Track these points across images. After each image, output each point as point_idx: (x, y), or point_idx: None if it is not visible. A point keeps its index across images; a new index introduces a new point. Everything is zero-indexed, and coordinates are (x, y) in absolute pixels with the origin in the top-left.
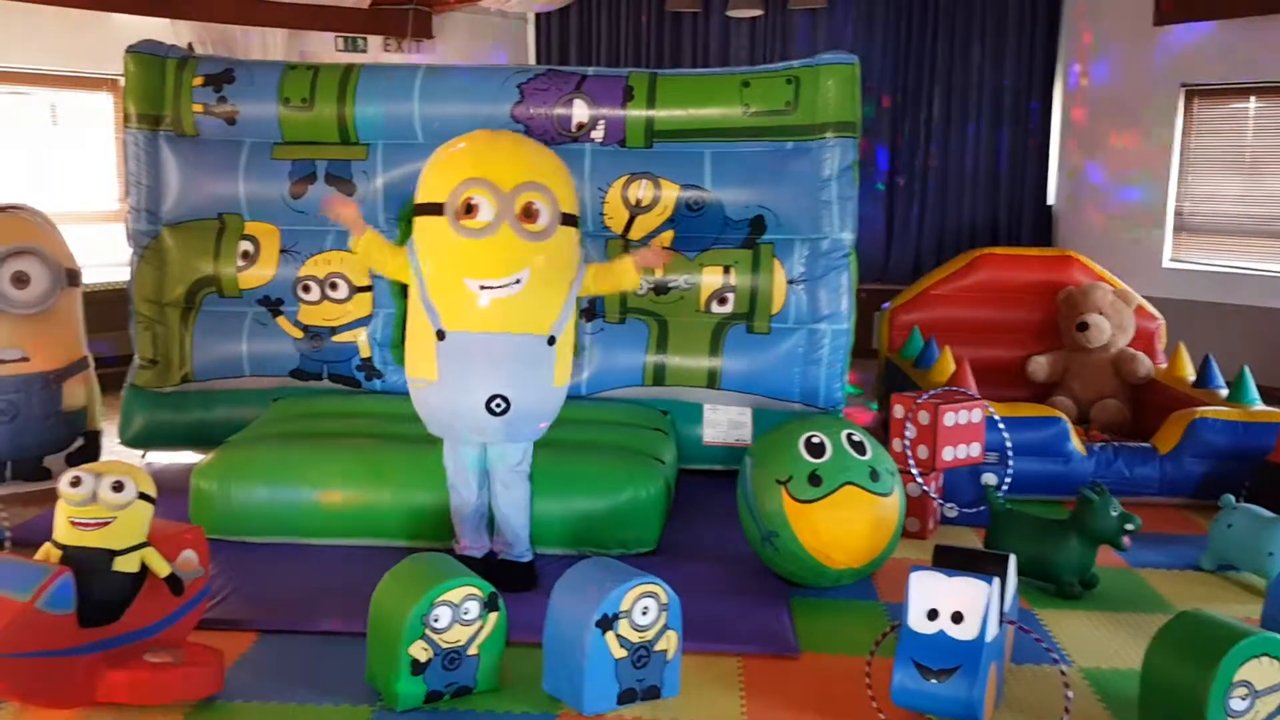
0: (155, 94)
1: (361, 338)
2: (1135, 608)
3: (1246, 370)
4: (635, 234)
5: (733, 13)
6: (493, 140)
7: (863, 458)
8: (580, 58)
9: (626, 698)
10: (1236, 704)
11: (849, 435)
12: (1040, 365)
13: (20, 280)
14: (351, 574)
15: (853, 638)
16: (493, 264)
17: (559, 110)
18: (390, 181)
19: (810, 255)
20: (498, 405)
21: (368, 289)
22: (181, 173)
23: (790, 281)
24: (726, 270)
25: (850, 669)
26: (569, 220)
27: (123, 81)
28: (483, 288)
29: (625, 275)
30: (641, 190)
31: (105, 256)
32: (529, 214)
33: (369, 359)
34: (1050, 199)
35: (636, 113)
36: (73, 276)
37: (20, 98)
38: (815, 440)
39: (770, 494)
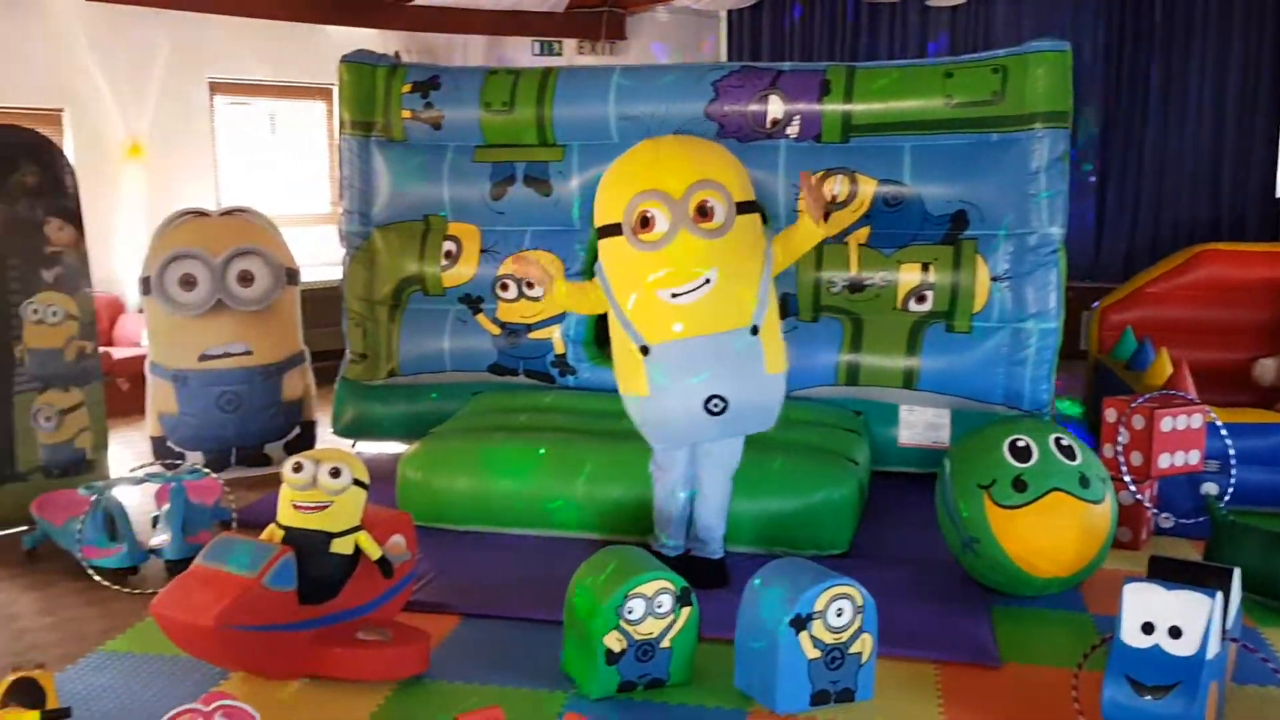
0: (367, 101)
1: (556, 334)
2: None
3: None
4: (831, 231)
5: (933, 1)
6: (655, 149)
7: (1072, 463)
8: (773, 53)
9: (820, 699)
10: None
11: (1057, 439)
12: (1268, 368)
13: (245, 279)
14: (547, 563)
15: (1058, 649)
16: (678, 271)
17: (753, 107)
18: (585, 182)
19: (1016, 251)
20: (716, 405)
21: None
22: (391, 176)
23: (994, 278)
24: (925, 267)
25: (1055, 681)
26: (747, 207)
27: (336, 90)
28: (674, 296)
29: (806, 230)
30: (837, 186)
31: (319, 256)
32: (704, 213)
33: (563, 355)
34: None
35: (833, 107)
36: (292, 275)
37: (243, 108)
38: (1020, 443)
39: (971, 498)
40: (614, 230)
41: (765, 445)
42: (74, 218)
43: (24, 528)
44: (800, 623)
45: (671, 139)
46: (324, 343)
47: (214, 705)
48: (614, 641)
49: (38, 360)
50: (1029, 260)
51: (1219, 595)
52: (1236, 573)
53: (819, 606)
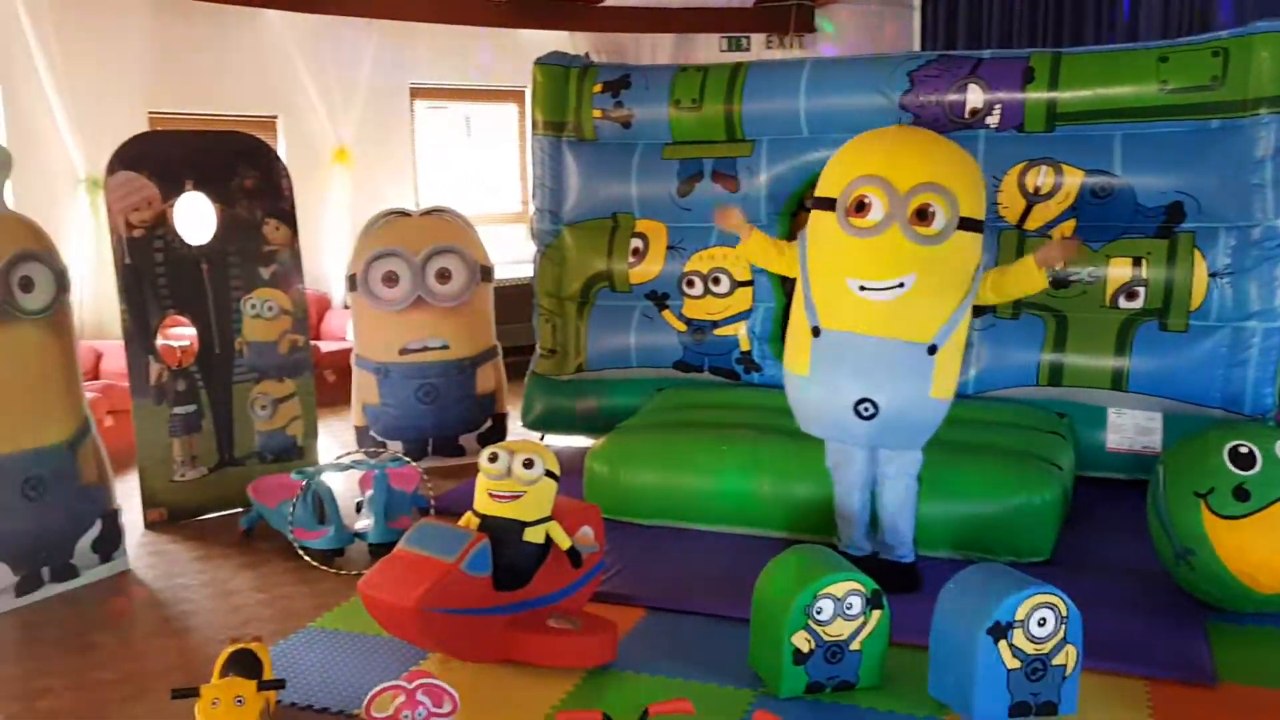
0: (559, 102)
1: (741, 331)
2: None
3: None
4: (1032, 224)
5: None
6: (898, 137)
7: None
8: (969, 41)
9: (1019, 710)
10: None
11: None
12: None
13: (443, 276)
14: (733, 560)
15: None
16: (877, 266)
17: (951, 96)
18: (774, 177)
19: (1238, 245)
20: (865, 409)
21: (748, 284)
22: (581, 175)
23: (1213, 274)
24: (1137, 262)
25: (1278, 704)
26: (970, 225)
27: (529, 92)
28: (862, 288)
29: (1028, 278)
30: (1040, 177)
31: (510, 254)
32: (922, 216)
33: (748, 352)
34: None
35: (1037, 95)
36: (486, 272)
37: (440, 112)
38: (1243, 450)
39: (1187, 507)
40: (827, 204)
41: (962, 447)
42: (289, 218)
43: (241, 509)
44: (999, 631)
45: (920, 131)
46: (515, 338)
47: (416, 683)
48: (802, 641)
49: (255, 352)
50: (1253, 255)
51: None
52: None
53: (1020, 615)
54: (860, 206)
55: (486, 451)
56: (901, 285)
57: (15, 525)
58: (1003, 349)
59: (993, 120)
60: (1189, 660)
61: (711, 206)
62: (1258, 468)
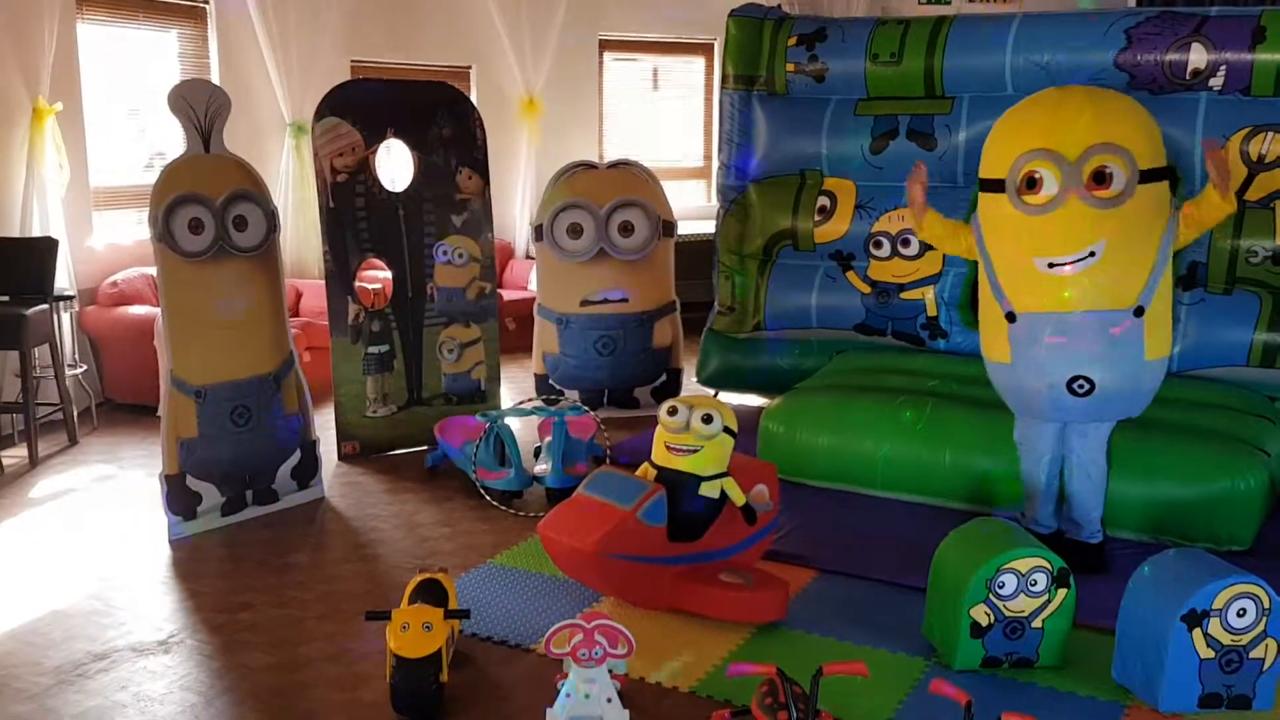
0: (752, 55)
1: (929, 296)
2: None
3: None
4: (1253, 194)
5: None
6: (1058, 102)
7: None
8: None
9: (1210, 701)
10: None
11: None
12: None
13: (626, 229)
14: (908, 528)
15: None
16: (1061, 240)
17: (1171, 55)
18: (973, 136)
19: None
20: (1080, 387)
21: None
22: (770, 130)
23: None
24: None
25: None
26: (1154, 175)
27: (718, 45)
28: (1052, 265)
29: (1211, 204)
30: (1266, 144)
31: (691, 209)
32: (1100, 180)
33: (935, 317)
34: None
35: (1267, 56)
36: (668, 227)
37: (628, 64)
38: None
39: None
40: (996, 186)
41: (1163, 426)
42: (482, 168)
43: (426, 447)
44: (1195, 619)
45: (1078, 90)
46: (692, 294)
47: (594, 623)
48: (981, 615)
49: (445, 297)
50: None
51: None
52: None
53: (1217, 604)
54: (1031, 183)
55: (666, 405)
56: (1092, 255)
57: (223, 449)
58: (1212, 326)
59: (1216, 82)
60: None
61: (906, 166)
62: None
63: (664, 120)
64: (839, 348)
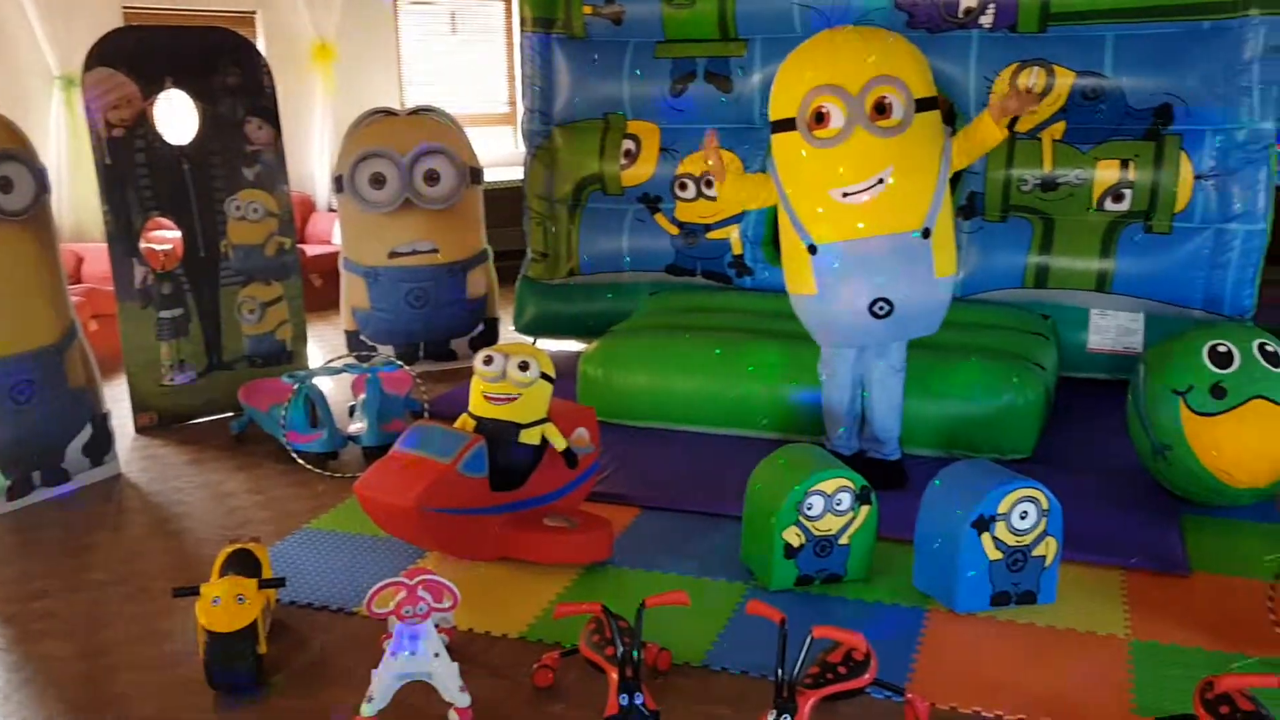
0: None
1: (734, 235)
2: None
3: None
4: (1022, 126)
5: None
6: (835, 41)
7: (1276, 370)
8: None
9: (1000, 600)
10: None
11: (1261, 345)
12: None
13: (431, 178)
14: (724, 460)
15: (1252, 560)
16: (852, 170)
17: None
18: (768, 78)
19: (1223, 147)
20: (880, 309)
21: None
22: (571, 74)
23: (1198, 176)
24: (1124, 164)
25: (1248, 592)
26: (927, 104)
27: None
28: (845, 195)
29: (985, 130)
30: (1032, 78)
31: (498, 156)
32: (881, 110)
33: (740, 256)
34: None
35: None
36: (475, 174)
37: (425, 8)
38: (1221, 349)
39: (1165, 405)
40: (788, 125)
41: (949, 348)
42: (272, 117)
43: (231, 414)
44: (983, 524)
45: (850, 30)
46: (505, 242)
47: (417, 579)
48: (793, 536)
49: (241, 255)
50: (1237, 157)
51: None
52: None
53: (1002, 509)
54: (820, 118)
55: (481, 354)
56: (881, 182)
57: (4, 430)
58: (990, 252)
59: (986, 20)
60: (1163, 551)
61: (707, 109)
62: (1235, 366)
63: (466, 66)
64: (652, 289)
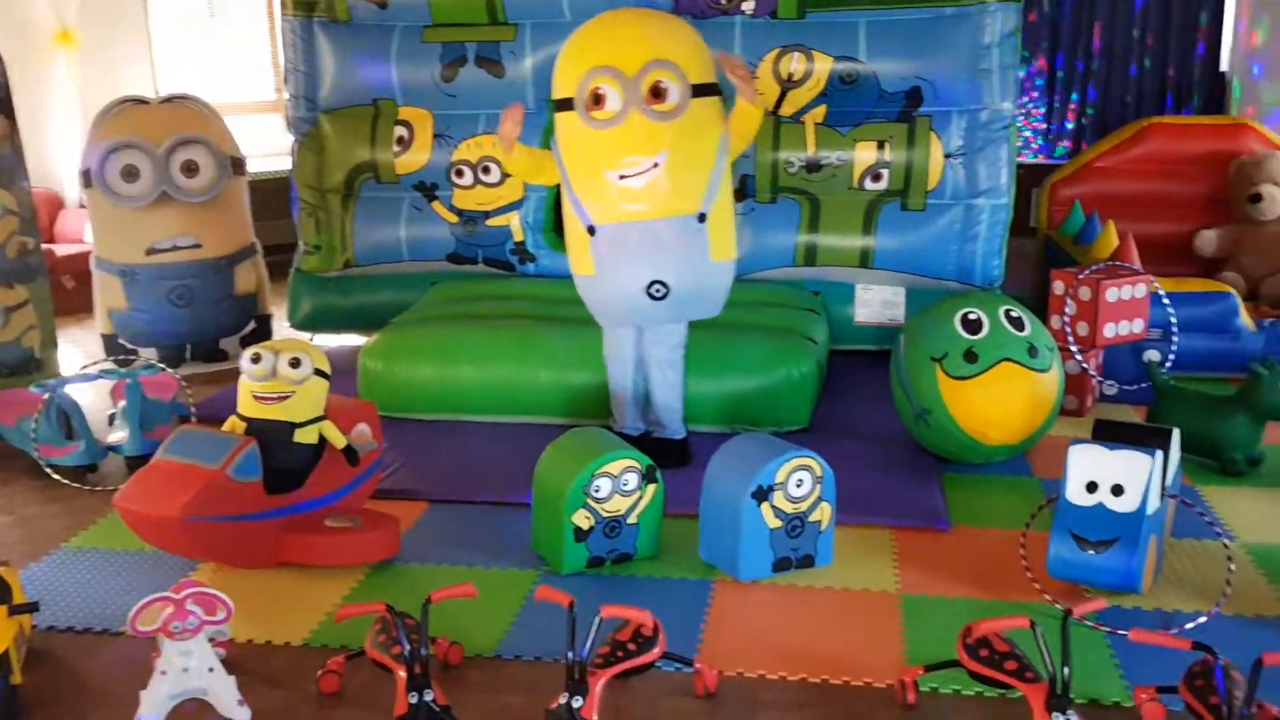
0: None
1: (514, 221)
2: None
3: None
4: (786, 109)
5: None
6: (614, 23)
7: (1021, 334)
8: None
9: (781, 565)
10: None
11: (1007, 311)
12: (1209, 239)
13: (189, 169)
14: (513, 448)
15: (1006, 512)
16: (628, 152)
17: None
18: (539, 62)
19: (969, 128)
20: (657, 290)
21: None
22: (336, 59)
23: (947, 156)
24: (881, 145)
25: (1004, 542)
26: (705, 90)
27: None
28: (622, 177)
29: (743, 111)
30: (793, 64)
31: (266, 146)
32: (657, 94)
33: (522, 242)
34: (1224, 65)
35: None
36: (238, 165)
37: None
38: (972, 316)
39: (924, 371)
40: (567, 105)
41: (727, 327)
42: (5, 108)
43: None
44: (762, 494)
45: (630, 12)
46: (276, 235)
47: (185, 593)
48: (582, 519)
49: None
50: (981, 137)
51: (1159, 454)
52: (1175, 433)
53: (780, 478)
54: (597, 99)
55: (248, 352)
56: (656, 165)
57: None
58: (763, 232)
59: (748, 6)
60: (927, 509)
61: (479, 94)
62: (984, 332)
63: (227, 52)
64: (433, 280)
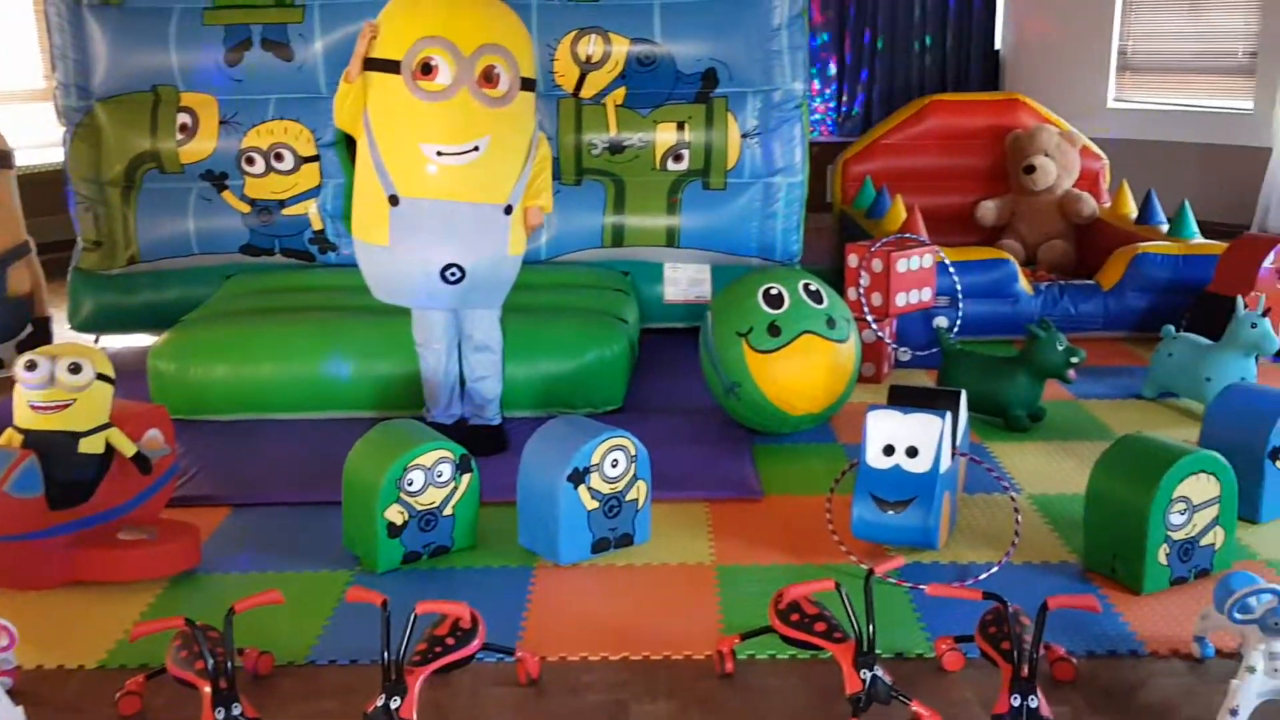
0: None
1: (312, 210)
2: (1080, 436)
3: (1187, 205)
4: (587, 91)
5: None
6: None
7: (819, 306)
8: None
9: (600, 546)
10: (1175, 518)
11: (806, 285)
12: (988, 209)
13: None
14: (320, 445)
15: (813, 479)
16: (451, 130)
17: None
18: (331, 45)
19: (763, 108)
20: (453, 274)
21: (314, 159)
22: (109, 44)
23: (744, 135)
24: (680, 126)
25: (812, 508)
26: (528, 85)
27: None
28: (439, 154)
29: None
30: (591, 46)
31: (37, 137)
32: (489, 79)
33: (321, 231)
34: (997, 43)
35: None
36: (5, 158)
37: None
38: (773, 291)
39: (731, 346)
40: (390, 67)
41: (539, 310)
42: None
43: None
44: (578, 477)
45: None
46: (52, 232)
47: None
48: (395, 515)
49: None
50: (775, 116)
51: (948, 415)
52: (963, 394)
53: (595, 460)
54: (427, 69)
55: (22, 359)
56: (476, 149)
57: None
58: (570, 214)
59: None
60: (739, 480)
61: (266, 79)
62: (786, 306)
63: None
64: (227, 273)
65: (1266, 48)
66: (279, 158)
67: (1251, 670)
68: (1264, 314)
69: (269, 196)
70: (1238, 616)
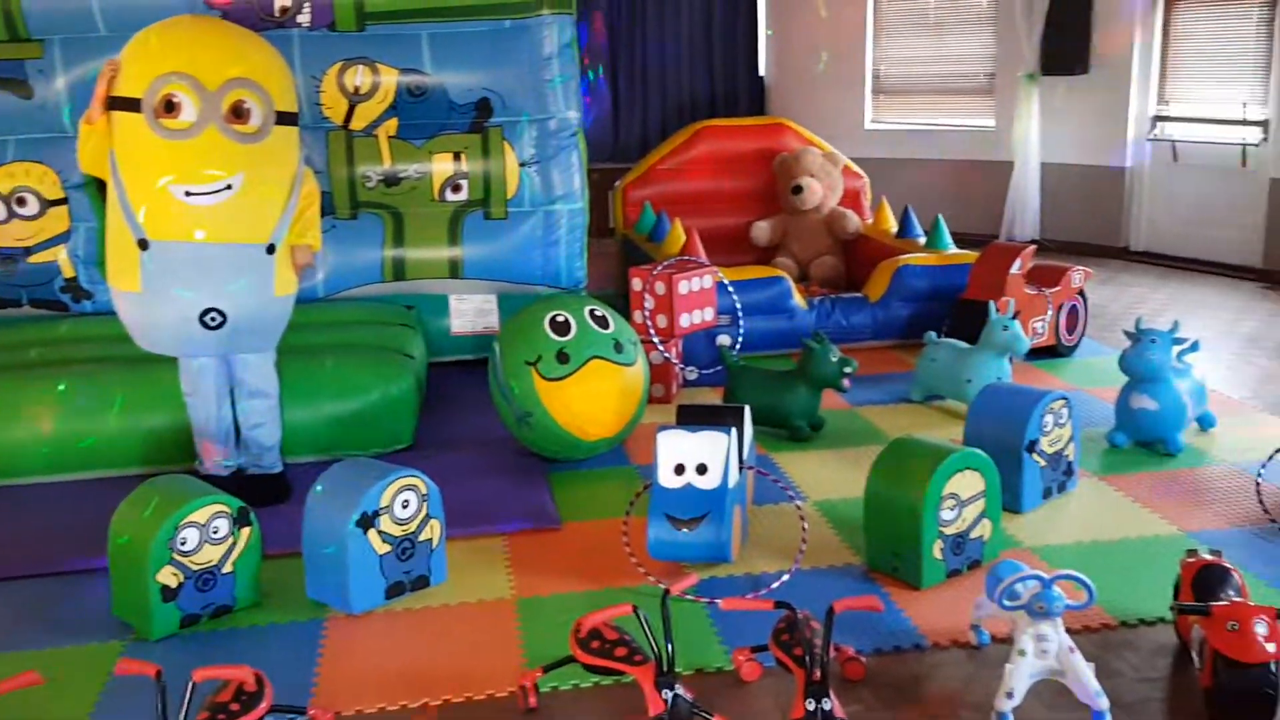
0: None
1: (62, 256)
2: (858, 442)
3: (940, 219)
4: (357, 123)
5: None
6: (196, 28)
7: (606, 331)
8: None
9: (394, 591)
10: (946, 514)
11: (592, 311)
12: (761, 230)
13: None
14: (83, 509)
15: (610, 503)
16: (199, 169)
17: None
18: (74, 81)
19: (539, 136)
20: (213, 319)
21: (62, 201)
22: None
23: (522, 164)
24: (457, 156)
25: (610, 531)
26: (287, 119)
27: None
28: (188, 194)
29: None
30: (359, 77)
31: None
32: (238, 114)
33: (74, 279)
34: (761, 69)
35: None
36: None
37: None
38: (560, 319)
39: (521, 376)
40: (131, 105)
41: (318, 349)
42: None
43: None
44: (367, 521)
45: (217, 21)
46: None
47: None
48: (169, 577)
49: None
50: (551, 145)
51: (734, 431)
52: (747, 410)
53: (384, 502)
54: (170, 106)
55: None
56: (229, 188)
57: None
58: (347, 249)
59: (304, 19)
60: (536, 510)
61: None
62: (573, 333)
63: None
64: None
65: (1003, 69)
66: (21, 202)
67: (1022, 654)
68: (1014, 317)
69: (13, 244)
70: (1007, 604)
